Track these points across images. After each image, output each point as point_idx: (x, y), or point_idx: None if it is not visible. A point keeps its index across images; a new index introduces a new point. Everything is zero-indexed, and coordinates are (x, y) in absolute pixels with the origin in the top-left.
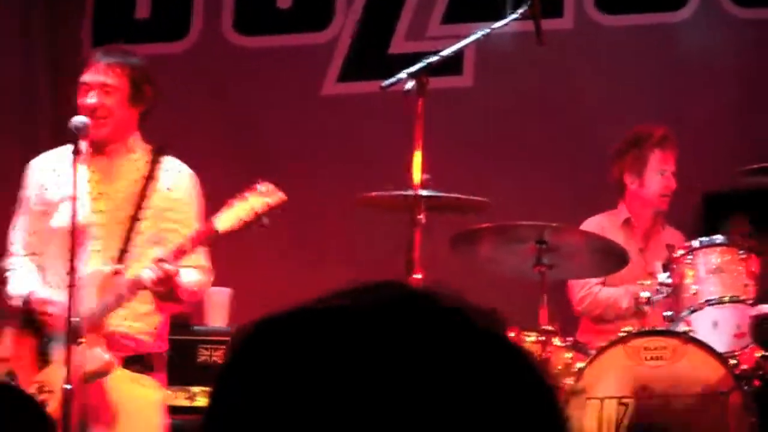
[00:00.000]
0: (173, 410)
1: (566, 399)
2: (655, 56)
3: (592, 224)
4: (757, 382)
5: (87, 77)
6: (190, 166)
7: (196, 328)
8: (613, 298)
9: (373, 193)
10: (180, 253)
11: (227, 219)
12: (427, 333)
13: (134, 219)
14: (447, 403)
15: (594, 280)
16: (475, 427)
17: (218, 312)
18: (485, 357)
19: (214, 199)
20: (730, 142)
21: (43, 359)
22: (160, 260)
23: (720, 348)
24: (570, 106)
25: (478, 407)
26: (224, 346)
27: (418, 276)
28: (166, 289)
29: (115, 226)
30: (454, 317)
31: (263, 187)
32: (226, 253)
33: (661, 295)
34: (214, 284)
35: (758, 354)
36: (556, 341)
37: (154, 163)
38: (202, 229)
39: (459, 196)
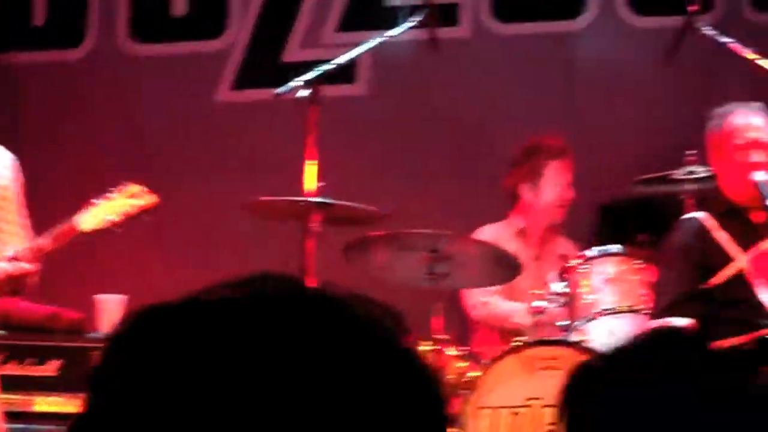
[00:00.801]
0: (65, 417)
1: (461, 408)
2: (552, 65)
3: (486, 233)
4: None
5: None
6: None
7: (89, 334)
8: (511, 311)
9: (265, 199)
10: (38, 251)
11: (91, 218)
12: (311, 324)
13: None
14: (328, 395)
15: (490, 288)
16: (354, 418)
17: (111, 318)
18: (368, 350)
19: None
20: (626, 152)
21: None
22: (15, 258)
23: None
24: (465, 115)
25: (358, 399)
26: None
27: (311, 283)
28: (15, 286)
29: None
30: (338, 309)
31: (133, 188)
32: (119, 259)
33: (556, 305)
34: (108, 291)
35: None
36: (450, 350)
37: None
38: (64, 228)
39: (351, 204)
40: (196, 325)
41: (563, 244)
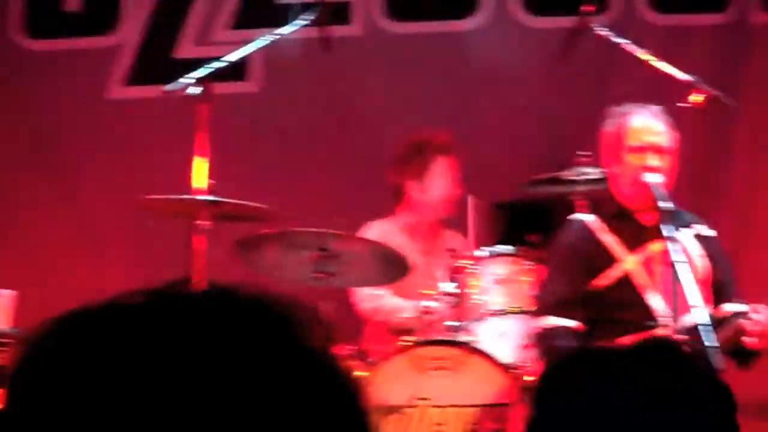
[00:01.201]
0: None
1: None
2: (445, 64)
3: (374, 229)
4: None
5: None
6: None
7: None
8: (398, 307)
9: (155, 197)
10: None
11: None
12: (236, 328)
13: None
14: (249, 397)
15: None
16: (269, 420)
17: (2, 314)
18: (289, 352)
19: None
20: (518, 152)
21: None
22: None
23: (505, 359)
24: (357, 113)
25: (277, 402)
26: (8, 348)
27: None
28: None
29: None
30: (262, 313)
31: None
32: (10, 255)
33: (445, 305)
34: None
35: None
36: (339, 349)
37: None
38: None
39: (241, 202)
40: (115, 331)
41: (452, 238)
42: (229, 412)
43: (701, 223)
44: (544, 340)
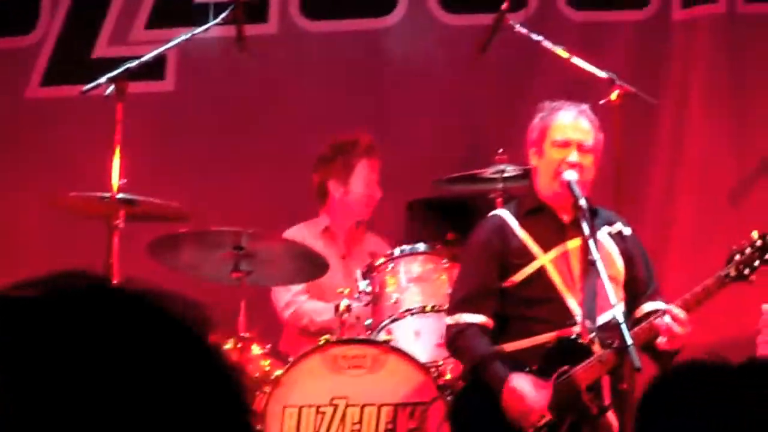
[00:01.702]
0: None
1: (263, 406)
2: (362, 62)
3: (293, 233)
4: (458, 391)
5: None
6: None
7: None
8: (318, 310)
9: (70, 196)
10: None
11: None
12: (114, 320)
13: None
14: (129, 390)
15: (298, 287)
16: (155, 413)
17: None
18: (171, 346)
19: None
20: (437, 150)
21: None
22: None
23: (422, 358)
24: (273, 112)
25: (158, 395)
26: None
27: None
28: None
29: None
30: (142, 305)
31: None
32: None
33: (361, 304)
34: None
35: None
36: (255, 348)
37: None
38: None
39: (156, 200)
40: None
41: (372, 242)
42: (110, 398)
43: (619, 221)
44: (453, 336)
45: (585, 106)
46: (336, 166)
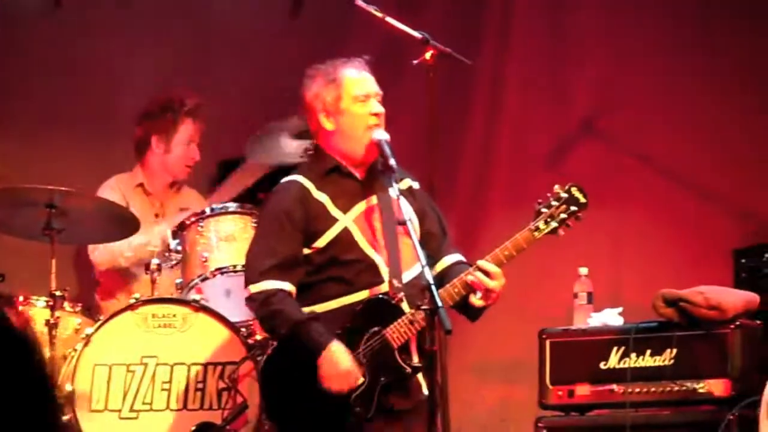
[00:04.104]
0: None
1: (73, 364)
2: (185, 20)
3: (110, 183)
4: (270, 352)
5: None
6: None
7: None
8: (128, 242)
9: None
10: None
11: None
12: None
13: None
14: None
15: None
16: None
17: None
18: None
19: None
20: (246, 111)
21: None
22: None
23: (233, 317)
24: (91, 67)
25: None
26: None
27: None
28: None
29: None
30: None
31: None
32: None
33: (171, 262)
34: None
35: None
36: (66, 306)
37: None
38: None
39: None
40: None
41: (187, 198)
42: None
43: (407, 177)
44: (260, 304)
45: (362, 59)
46: (161, 123)
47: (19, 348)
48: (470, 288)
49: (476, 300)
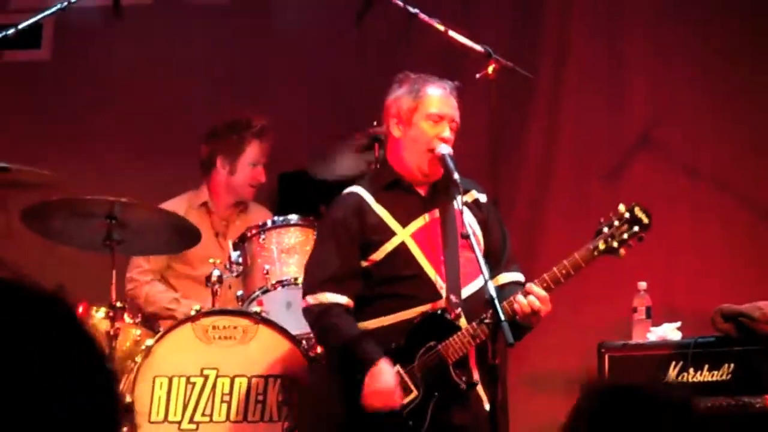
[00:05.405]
0: None
1: (133, 376)
2: (242, 36)
3: (171, 205)
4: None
5: None
6: None
7: None
8: (152, 295)
9: None
10: None
11: None
12: None
13: None
14: None
15: (144, 266)
16: (23, 390)
17: None
18: (35, 326)
19: None
20: (307, 124)
21: None
22: None
23: (294, 330)
24: (152, 84)
25: (21, 368)
26: None
27: None
28: None
29: None
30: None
31: None
32: None
33: (232, 275)
34: None
35: None
36: (126, 318)
37: None
38: None
39: (26, 168)
40: None
41: (255, 216)
42: None
43: (474, 189)
44: (316, 317)
45: (453, 83)
46: (227, 143)
47: (88, 346)
48: (515, 312)
49: (519, 319)
